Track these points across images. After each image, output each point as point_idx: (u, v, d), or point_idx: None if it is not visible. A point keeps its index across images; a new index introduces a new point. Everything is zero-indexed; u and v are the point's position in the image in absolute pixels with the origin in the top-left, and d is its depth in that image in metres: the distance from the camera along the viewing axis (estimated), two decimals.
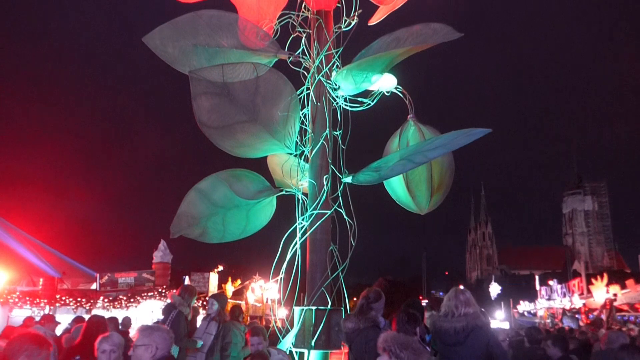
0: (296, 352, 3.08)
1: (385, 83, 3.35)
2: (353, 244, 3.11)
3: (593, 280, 18.28)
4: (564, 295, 22.87)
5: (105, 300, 9.49)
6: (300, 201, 3.29)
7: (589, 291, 18.96)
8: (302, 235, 3.20)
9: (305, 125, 3.23)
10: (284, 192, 3.39)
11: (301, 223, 3.22)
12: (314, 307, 3.03)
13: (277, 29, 3.39)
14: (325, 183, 3.14)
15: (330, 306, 3.07)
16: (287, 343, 3.04)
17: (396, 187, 3.45)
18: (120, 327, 4.84)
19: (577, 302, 19.98)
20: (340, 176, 3.17)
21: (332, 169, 3.17)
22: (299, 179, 3.35)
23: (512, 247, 72.36)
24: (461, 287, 2.83)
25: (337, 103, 3.23)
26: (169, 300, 3.64)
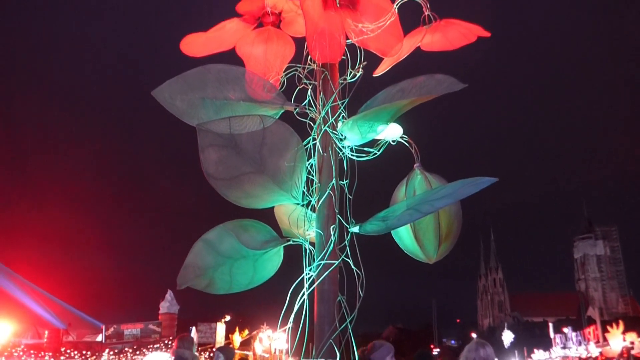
0: None
1: (391, 132, 3.38)
2: (361, 294, 3.08)
3: (609, 328, 17.91)
4: (580, 344, 22.36)
5: (111, 352, 9.38)
6: (308, 251, 3.27)
7: (604, 339, 18.53)
8: (310, 285, 3.17)
9: (312, 176, 3.25)
10: (291, 242, 3.37)
11: (308, 273, 3.20)
12: None
13: (284, 81, 3.46)
14: (332, 233, 3.13)
15: (339, 358, 3.01)
16: None
17: (403, 236, 3.44)
18: None
19: (594, 351, 19.51)
20: (347, 226, 3.16)
21: (339, 218, 3.17)
22: (306, 229, 3.34)
23: (524, 293, 71.06)
24: (474, 335, 2.78)
25: (343, 153, 3.25)
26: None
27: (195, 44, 3.59)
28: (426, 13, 3.44)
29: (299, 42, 3.56)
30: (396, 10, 3.27)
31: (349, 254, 3.17)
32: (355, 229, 3.12)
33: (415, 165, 3.49)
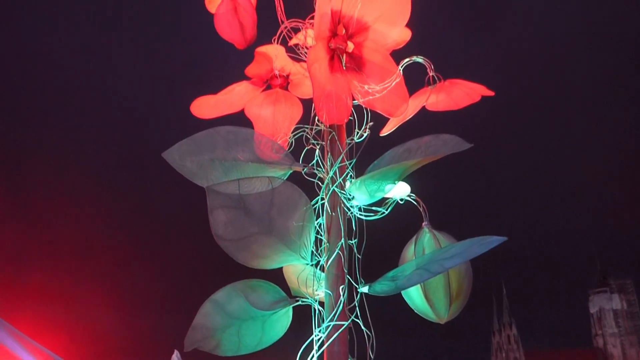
0: None
1: (399, 191, 3.40)
2: (372, 355, 3.02)
3: None
4: None
5: None
6: (317, 312, 3.24)
7: None
8: (319, 347, 3.12)
9: (321, 235, 3.25)
10: (300, 303, 3.34)
11: (318, 335, 3.15)
12: None
13: (292, 142, 3.51)
14: (341, 293, 3.10)
15: None
16: None
17: (413, 295, 3.40)
18: None
19: None
20: (357, 286, 3.14)
21: (348, 278, 3.15)
22: (315, 289, 3.32)
23: (540, 350, 69.10)
24: None
25: (351, 212, 3.27)
26: None
27: (205, 107, 3.68)
28: (430, 74, 3.53)
29: (307, 103, 3.64)
30: (401, 71, 3.35)
31: (358, 314, 3.13)
32: (365, 289, 3.10)
33: (423, 223, 3.49)
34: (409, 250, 3.47)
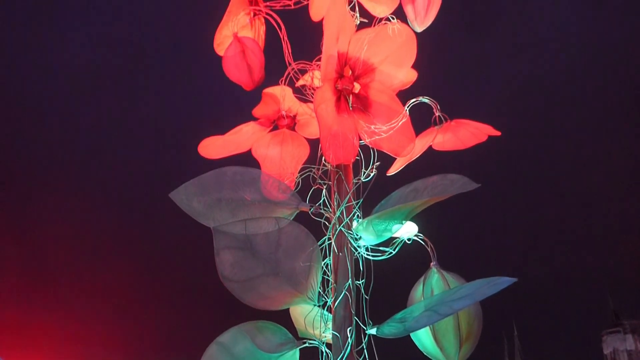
0: None
1: (407, 231, 3.38)
2: None
3: None
4: None
5: None
6: (324, 354, 3.18)
7: None
8: None
9: (328, 276, 3.22)
10: (307, 345, 3.28)
11: None
12: None
13: (299, 182, 3.52)
14: (349, 335, 3.05)
15: None
16: None
17: (423, 338, 3.34)
18: None
19: None
20: (365, 328, 3.09)
21: (355, 320, 3.10)
22: (322, 330, 3.27)
23: None
24: None
25: (358, 253, 3.24)
26: None
27: (213, 147, 3.70)
28: (437, 114, 3.56)
29: (314, 143, 3.66)
30: (407, 111, 3.37)
31: (366, 357, 3.07)
32: (373, 331, 3.05)
33: (432, 263, 3.45)
34: (418, 291, 3.43)
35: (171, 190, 3.35)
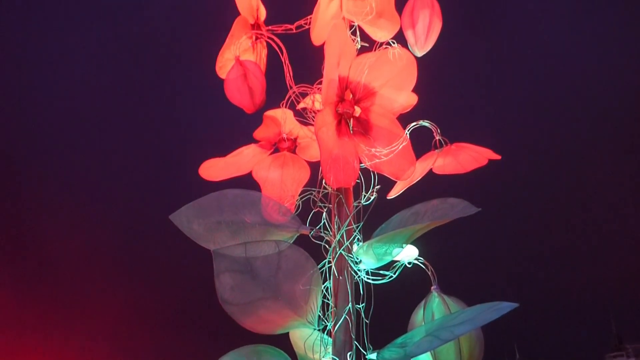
0: None
1: (407, 254, 3.36)
2: None
3: None
4: None
5: None
6: None
7: None
8: None
9: (327, 299, 3.20)
10: None
11: None
12: None
13: (299, 205, 3.51)
14: None
15: None
16: None
17: None
18: None
19: None
20: (365, 353, 3.06)
21: (355, 344, 3.07)
22: (322, 355, 3.24)
23: None
24: None
25: (358, 276, 3.23)
26: None
27: (213, 169, 3.71)
28: (437, 137, 3.57)
29: (314, 166, 3.67)
30: (408, 135, 3.39)
31: None
32: (373, 356, 3.02)
33: (432, 287, 3.43)
34: (418, 315, 3.40)
35: (171, 212, 3.35)
